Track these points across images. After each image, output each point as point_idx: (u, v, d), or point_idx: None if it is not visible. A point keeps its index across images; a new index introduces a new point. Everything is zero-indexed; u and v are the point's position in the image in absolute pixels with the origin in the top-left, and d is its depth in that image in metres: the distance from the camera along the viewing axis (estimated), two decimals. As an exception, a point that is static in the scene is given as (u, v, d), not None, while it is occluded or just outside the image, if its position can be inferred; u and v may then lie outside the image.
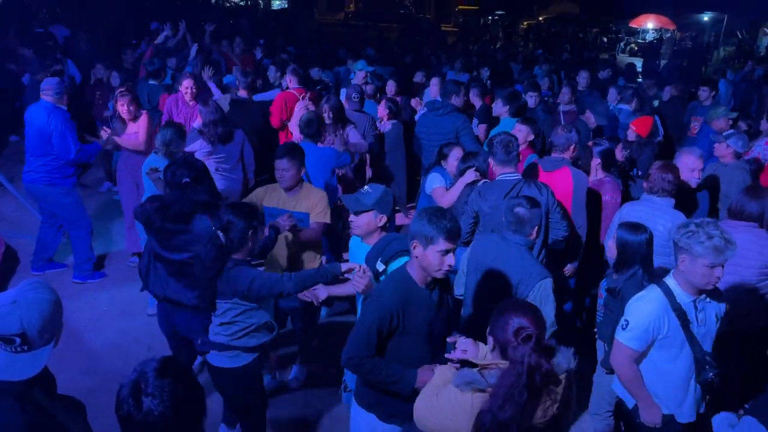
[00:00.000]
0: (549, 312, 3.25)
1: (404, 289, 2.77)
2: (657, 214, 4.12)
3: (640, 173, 5.81)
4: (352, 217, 3.48)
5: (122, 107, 5.91)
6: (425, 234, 2.63)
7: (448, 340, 2.70)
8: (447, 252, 2.64)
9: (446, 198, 4.84)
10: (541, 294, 3.27)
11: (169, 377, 1.74)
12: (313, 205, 4.34)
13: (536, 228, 3.49)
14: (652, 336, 2.96)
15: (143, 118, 5.95)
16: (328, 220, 4.41)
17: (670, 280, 3.02)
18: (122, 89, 6.23)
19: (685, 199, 4.60)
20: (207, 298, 3.40)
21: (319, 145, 5.63)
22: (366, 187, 3.57)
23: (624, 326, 3.01)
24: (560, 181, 4.69)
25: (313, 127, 5.40)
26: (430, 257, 2.65)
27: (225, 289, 3.33)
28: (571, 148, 4.84)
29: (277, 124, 6.98)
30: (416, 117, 7.38)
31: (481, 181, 4.62)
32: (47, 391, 2.10)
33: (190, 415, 1.78)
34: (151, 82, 7.46)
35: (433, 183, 5.04)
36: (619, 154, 5.64)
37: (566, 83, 8.67)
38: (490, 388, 2.25)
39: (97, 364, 4.80)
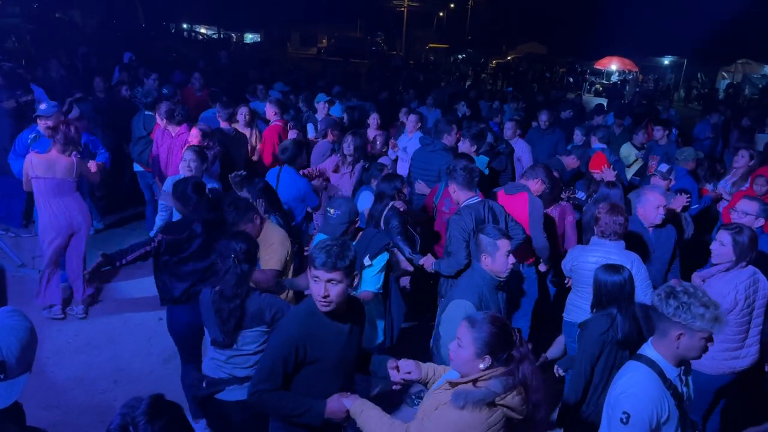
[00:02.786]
0: (448, 330, 3.30)
1: (309, 320, 2.75)
2: (612, 258, 4.13)
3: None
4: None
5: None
6: None
7: (390, 364, 2.80)
8: (329, 281, 2.65)
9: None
10: (450, 309, 3.37)
11: (161, 420, 1.68)
12: (265, 248, 3.99)
13: (485, 256, 3.49)
14: (656, 423, 2.56)
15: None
16: (275, 266, 4.01)
17: (652, 353, 2.67)
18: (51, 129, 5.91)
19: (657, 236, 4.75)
20: (229, 333, 3.20)
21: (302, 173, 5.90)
22: (329, 210, 3.89)
23: (624, 420, 2.54)
24: (518, 205, 4.93)
25: (287, 153, 5.63)
26: (314, 287, 2.70)
27: (254, 317, 3.22)
28: (537, 180, 5.08)
29: (269, 159, 7.08)
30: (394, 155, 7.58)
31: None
32: (19, 423, 2.04)
33: None
34: (147, 113, 7.50)
35: (366, 203, 5.23)
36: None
37: (509, 119, 8.76)
38: (501, 396, 2.33)
39: (60, 399, 4.64)
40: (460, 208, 4.61)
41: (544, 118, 8.76)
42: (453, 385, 2.44)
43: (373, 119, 8.14)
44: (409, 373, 2.77)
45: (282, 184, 5.55)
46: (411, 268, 4.51)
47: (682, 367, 2.67)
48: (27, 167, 5.44)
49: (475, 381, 2.38)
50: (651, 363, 2.63)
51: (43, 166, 5.44)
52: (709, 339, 2.52)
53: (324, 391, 2.78)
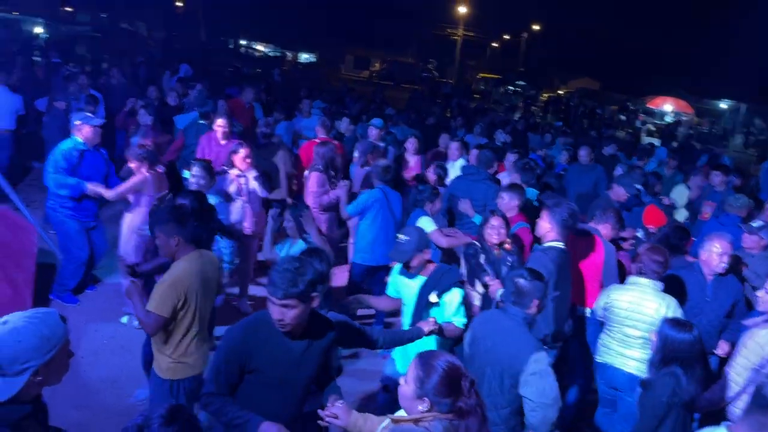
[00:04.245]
0: (549, 386, 3.12)
1: (257, 330, 2.79)
2: (646, 297, 4.03)
3: None
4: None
5: (131, 159, 5.77)
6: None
7: (330, 399, 2.74)
8: (283, 306, 2.65)
9: (446, 240, 5.28)
10: (537, 367, 3.12)
11: (175, 425, 1.72)
12: (160, 282, 3.55)
13: (536, 302, 3.34)
14: None
15: (134, 177, 5.68)
16: (160, 311, 3.42)
17: None
18: (141, 145, 5.95)
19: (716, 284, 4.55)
20: None
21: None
22: (400, 236, 3.92)
23: None
24: (586, 248, 4.75)
25: (390, 174, 5.86)
26: (270, 307, 2.70)
27: None
28: (608, 225, 4.93)
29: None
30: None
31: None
32: (41, 422, 2.06)
33: None
34: (201, 121, 7.86)
35: (430, 225, 5.24)
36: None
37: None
38: None
39: (90, 399, 4.70)
40: (549, 247, 4.33)
41: (583, 153, 8.62)
42: (395, 422, 2.35)
43: (410, 144, 8.19)
44: (336, 417, 2.67)
45: (394, 202, 5.88)
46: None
47: None
48: (142, 184, 5.55)
49: (417, 420, 2.27)
50: None
51: (156, 183, 5.60)
52: None
53: (264, 405, 2.77)
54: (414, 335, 3.57)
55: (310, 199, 6.15)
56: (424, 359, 2.32)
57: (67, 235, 5.95)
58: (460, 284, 3.90)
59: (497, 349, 3.25)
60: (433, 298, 3.78)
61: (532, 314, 3.37)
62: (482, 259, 4.80)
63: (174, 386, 3.64)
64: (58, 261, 6.35)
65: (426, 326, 3.58)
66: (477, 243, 4.90)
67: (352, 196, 6.30)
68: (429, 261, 3.95)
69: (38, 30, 25.65)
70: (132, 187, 5.62)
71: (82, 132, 5.77)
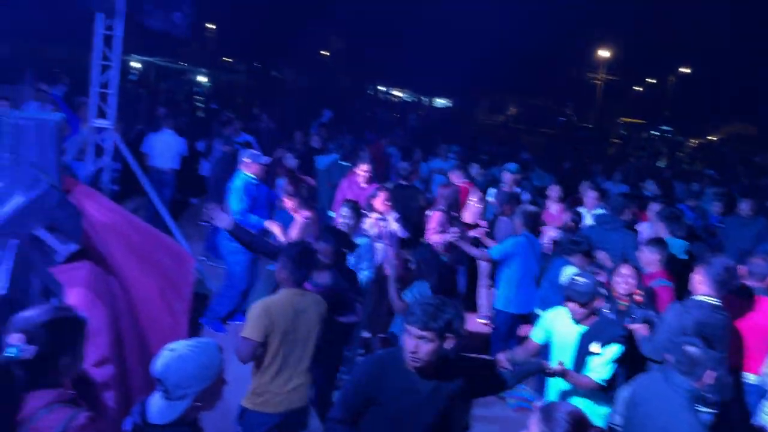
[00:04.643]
0: None
1: (388, 364, 2.86)
2: None
3: None
4: (574, 305, 3.82)
5: (288, 199, 6.03)
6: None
7: None
8: (419, 338, 2.70)
9: None
10: None
11: None
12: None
13: (711, 373, 3.05)
14: None
15: (298, 222, 5.81)
16: (251, 335, 3.69)
17: None
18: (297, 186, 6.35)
19: None
20: None
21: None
22: (578, 277, 3.88)
23: None
24: (756, 311, 4.41)
25: (535, 220, 5.97)
26: (405, 339, 2.76)
27: None
28: None
29: None
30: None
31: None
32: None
33: None
34: (344, 162, 8.40)
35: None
36: None
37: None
38: None
39: (229, 425, 4.95)
40: (695, 301, 4.13)
41: (745, 207, 7.94)
42: None
43: (553, 191, 8.00)
44: None
45: (537, 249, 5.98)
46: None
47: None
48: (305, 228, 5.72)
49: None
50: None
51: (313, 228, 5.85)
52: None
53: None
54: (534, 369, 3.65)
55: (431, 238, 6.25)
56: (546, 413, 2.31)
57: (238, 266, 6.32)
58: (623, 339, 3.80)
59: (653, 420, 3.05)
60: (595, 348, 3.73)
61: (702, 386, 3.08)
62: (605, 309, 4.57)
63: (243, 414, 3.91)
64: (207, 290, 6.89)
65: (550, 368, 3.60)
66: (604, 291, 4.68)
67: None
68: (595, 311, 3.89)
69: (201, 79, 28.46)
70: (300, 232, 5.70)
71: (251, 168, 6.31)
